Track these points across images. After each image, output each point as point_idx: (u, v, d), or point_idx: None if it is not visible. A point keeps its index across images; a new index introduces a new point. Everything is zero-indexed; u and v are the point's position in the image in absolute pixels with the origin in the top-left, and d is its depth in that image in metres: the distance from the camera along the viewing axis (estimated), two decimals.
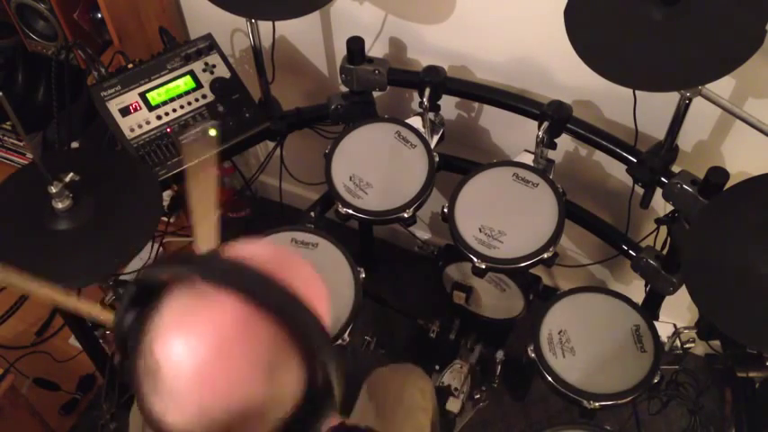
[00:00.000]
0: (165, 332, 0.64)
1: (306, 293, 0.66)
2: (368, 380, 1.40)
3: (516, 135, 1.73)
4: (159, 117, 1.58)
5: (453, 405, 1.76)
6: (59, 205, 1.31)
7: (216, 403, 0.63)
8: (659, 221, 1.53)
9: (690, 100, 1.29)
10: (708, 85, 1.23)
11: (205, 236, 0.79)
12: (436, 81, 1.53)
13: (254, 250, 0.70)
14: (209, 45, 1.67)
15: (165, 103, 1.60)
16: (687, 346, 1.44)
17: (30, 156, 2.20)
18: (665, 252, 1.54)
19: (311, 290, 0.69)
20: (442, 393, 1.79)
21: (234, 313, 0.63)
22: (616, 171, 1.71)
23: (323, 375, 0.66)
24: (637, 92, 1.44)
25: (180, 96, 1.61)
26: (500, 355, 1.85)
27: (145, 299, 0.67)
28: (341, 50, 1.69)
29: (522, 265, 1.39)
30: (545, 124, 1.46)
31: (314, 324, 0.65)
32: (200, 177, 0.84)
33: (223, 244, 0.72)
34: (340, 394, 0.68)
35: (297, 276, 0.68)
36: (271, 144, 1.90)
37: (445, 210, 1.46)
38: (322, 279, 0.73)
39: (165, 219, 1.95)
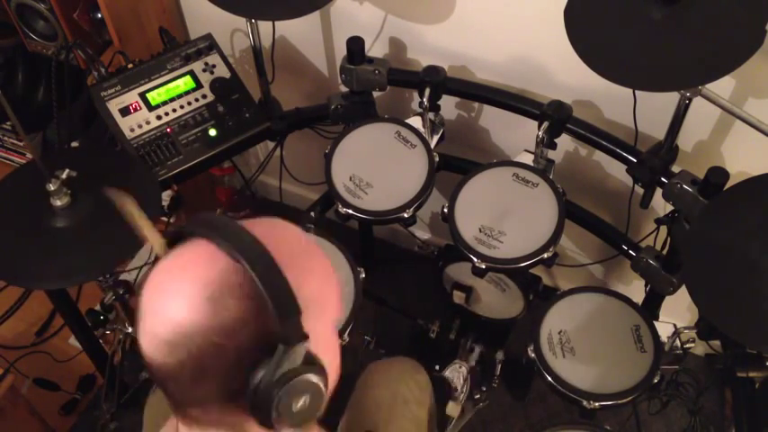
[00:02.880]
0: (150, 275, 0.70)
1: (289, 263, 0.67)
2: (364, 374, 1.40)
3: (516, 135, 1.73)
4: (159, 117, 1.59)
5: (453, 410, 1.76)
6: (58, 203, 1.31)
7: (163, 328, 0.66)
8: (659, 221, 1.52)
9: (690, 100, 1.29)
10: (708, 85, 1.23)
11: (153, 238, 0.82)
12: (436, 81, 1.53)
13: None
14: (209, 45, 1.67)
15: (165, 103, 1.60)
16: (687, 346, 1.43)
17: (30, 156, 2.20)
18: (665, 252, 1.54)
19: (300, 263, 0.71)
20: (443, 385, 1.79)
21: (196, 251, 0.68)
22: (616, 171, 1.71)
23: (280, 315, 0.66)
24: (637, 92, 1.44)
25: (180, 96, 1.61)
26: (500, 355, 1.85)
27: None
28: (341, 50, 1.69)
29: (522, 265, 1.39)
30: (545, 124, 1.46)
31: (269, 268, 0.66)
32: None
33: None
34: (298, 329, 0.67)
35: (288, 251, 0.70)
36: (271, 144, 1.90)
37: (445, 210, 1.46)
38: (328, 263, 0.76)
39: (165, 219, 1.95)
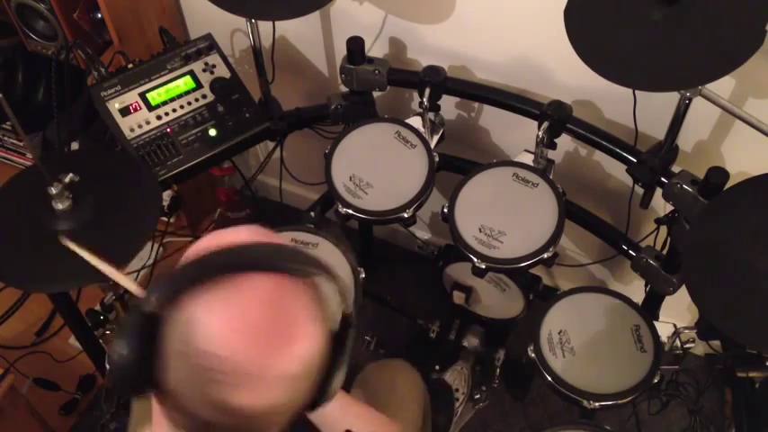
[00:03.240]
0: (220, 330, 0.64)
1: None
2: (359, 375, 1.42)
3: (516, 135, 1.73)
4: (159, 117, 1.58)
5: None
6: (59, 206, 1.31)
7: (297, 367, 0.67)
8: (659, 221, 1.52)
9: (690, 100, 1.29)
10: (708, 85, 1.23)
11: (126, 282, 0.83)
12: (436, 81, 1.53)
13: (235, 235, 0.73)
14: (209, 45, 1.67)
15: (164, 103, 1.60)
16: (687, 346, 1.44)
17: (30, 156, 2.20)
18: (665, 252, 1.54)
19: None
20: (441, 387, 1.79)
21: (266, 282, 0.66)
22: (616, 171, 1.71)
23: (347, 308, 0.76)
24: (637, 92, 1.44)
25: (180, 96, 1.61)
26: (500, 355, 1.85)
27: (153, 325, 0.66)
28: (341, 50, 1.69)
29: (522, 265, 1.39)
30: (545, 124, 1.46)
31: (321, 264, 0.71)
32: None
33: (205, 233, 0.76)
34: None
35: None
36: (271, 144, 1.90)
37: (445, 210, 1.46)
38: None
39: (164, 219, 1.95)
